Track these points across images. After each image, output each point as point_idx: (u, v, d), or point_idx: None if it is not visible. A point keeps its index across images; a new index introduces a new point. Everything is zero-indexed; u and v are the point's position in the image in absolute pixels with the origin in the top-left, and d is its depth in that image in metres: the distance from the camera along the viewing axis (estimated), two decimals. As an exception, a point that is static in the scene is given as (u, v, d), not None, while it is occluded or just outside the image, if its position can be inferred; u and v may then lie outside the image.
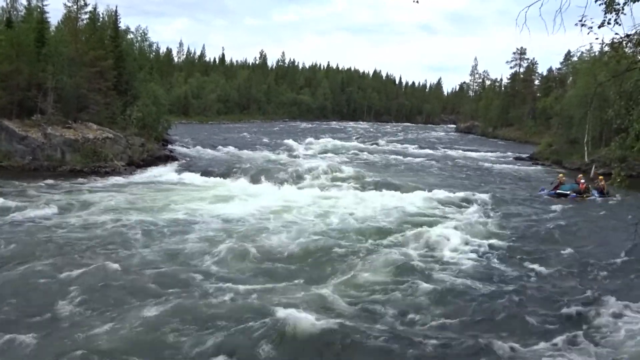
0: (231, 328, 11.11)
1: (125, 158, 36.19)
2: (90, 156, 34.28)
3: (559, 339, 11.34)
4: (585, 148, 50.33)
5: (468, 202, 27.09)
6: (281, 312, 11.49)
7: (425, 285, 14.28)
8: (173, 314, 11.67)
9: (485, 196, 28.18)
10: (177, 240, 18.10)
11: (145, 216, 21.30)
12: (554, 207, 26.49)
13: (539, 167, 49.84)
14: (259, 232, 19.47)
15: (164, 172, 34.48)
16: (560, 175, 32.26)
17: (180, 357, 10.16)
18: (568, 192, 29.27)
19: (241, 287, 13.57)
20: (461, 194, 28.61)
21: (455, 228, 20.83)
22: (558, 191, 29.67)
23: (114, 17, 47.88)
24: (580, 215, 25.05)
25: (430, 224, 21.43)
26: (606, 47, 54.65)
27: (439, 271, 15.80)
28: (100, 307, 12.11)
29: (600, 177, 30.68)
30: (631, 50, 8.84)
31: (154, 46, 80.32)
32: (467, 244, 18.85)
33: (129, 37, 51.99)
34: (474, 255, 17.67)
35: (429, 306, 13.16)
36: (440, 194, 28.67)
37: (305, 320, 11.25)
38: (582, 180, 30.23)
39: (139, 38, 56.04)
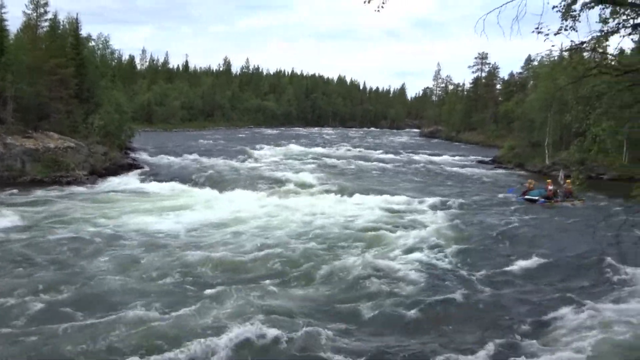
0: (177, 341, 10.97)
1: (88, 167, 35.60)
2: (51, 166, 33.61)
3: (521, 340, 11.52)
4: (546, 151, 51.38)
5: (432, 206, 27.34)
6: (230, 326, 11.48)
7: (386, 290, 14.37)
8: (115, 327, 11.51)
9: (449, 200, 28.54)
10: (134, 251, 17.64)
11: (104, 227, 20.85)
12: (518, 212, 26.55)
13: (502, 171, 50.59)
14: (219, 241, 19.30)
15: (127, 181, 34.02)
16: (530, 181, 31.97)
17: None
18: (536, 198, 28.98)
19: (194, 296, 13.50)
20: (425, 199, 28.90)
21: (419, 232, 21.03)
22: (526, 197, 29.49)
23: (75, 24, 47.18)
24: (544, 219, 25.26)
25: (394, 229, 21.60)
26: (564, 52, 56.03)
27: (399, 277, 15.82)
28: (48, 320, 11.82)
29: (568, 180, 29.77)
30: (587, 57, 9.04)
31: (117, 53, 79.59)
32: (430, 248, 18.99)
33: (90, 44, 51.29)
34: (436, 260, 17.81)
35: (389, 313, 13.19)
36: (405, 199, 28.90)
37: (253, 332, 11.25)
38: (550, 187, 29.63)
39: (100, 45, 55.43)
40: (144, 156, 46.66)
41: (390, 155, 62.37)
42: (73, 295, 13.31)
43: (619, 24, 8.27)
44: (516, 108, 68.50)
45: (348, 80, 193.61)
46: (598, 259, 17.41)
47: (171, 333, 11.34)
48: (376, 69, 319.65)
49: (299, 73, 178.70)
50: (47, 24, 44.15)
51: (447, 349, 11.06)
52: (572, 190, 29.11)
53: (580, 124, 10.82)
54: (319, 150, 66.25)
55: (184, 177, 35.38)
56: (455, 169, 49.33)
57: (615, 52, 9.15)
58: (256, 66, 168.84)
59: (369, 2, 8.02)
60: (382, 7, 8.16)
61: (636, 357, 10.74)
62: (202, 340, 10.81)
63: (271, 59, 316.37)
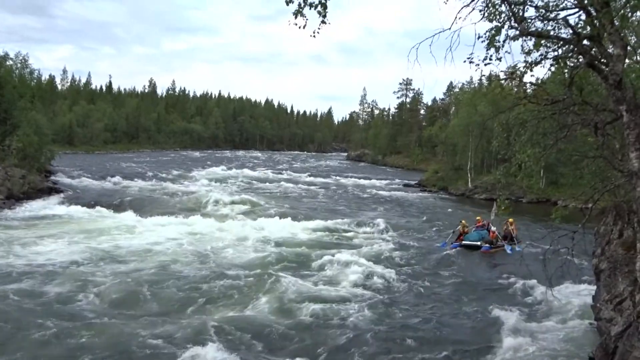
0: None
1: (4, 191, 33.93)
2: (-35, 190, 31.90)
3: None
4: (469, 174, 53.03)
5: (363, 230, 27.71)
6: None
7: (314, 311, 14.38)
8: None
9: (378, 224, 28.95)
10: (47, 279, 16.89)
11: (19, 254, 19.92)
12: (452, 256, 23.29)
13: (427, 194, 51.78)
14: (139, 268, 18.73)
15: (47, 205, 32.61)
16: (463, 222, 26.46)
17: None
18: (478, 243, 24.20)
19: (117, 324, 13.14)
20: (355, 222, 29.23)
21: (349, 256, 21.15)
22: (464, 242, 24.54)
23: (-10, 42, 45.32)
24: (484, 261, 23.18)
25: (326, 253, 21.67)
26: (485, 80, 58.14)
27: (327, 299, 15.94)
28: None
29: (510, 220, 25.79)
30: (514, 85, 9.43)
31: (36, 73, 76.74)
32: (360, 272, 19.10)
33: (8, 63, 49.27)
34: (368, 281, 18.04)
35: (313, 335, 13.22)
36: (336, 222, 29.16)
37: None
38: (493, 228, 25.43)
39: (19, 65, 53.32)
40: (65, 179, 44.96)
41: (319, 179, 62.82)
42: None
43: (541, 55, 8.66)
44: (439, 133, 70.59)
45: (275, 103, 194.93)
46: (527, 281, 18.17)
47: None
48: (303, 93, 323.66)
49: (225, 96, 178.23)
50: (-40, 41, 42.17)
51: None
52: (515, 231, 25.80)
53: (505, 151, 11.23)
54: (247, 172, 65.92)
55: (106, 201, 34.34)
56: (382, 192, 50.15)
57: (539, 82, 9.58)
58: (182, 88, 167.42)
59: (304, 27, 8.08)
60: (318, 32, 8.25)
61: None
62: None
63: (197, 81, 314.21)
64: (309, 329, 13.56)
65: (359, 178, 65.93)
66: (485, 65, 8.24)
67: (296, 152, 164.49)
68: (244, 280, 17.34)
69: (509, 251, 23.89)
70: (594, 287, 13.81)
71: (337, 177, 66.27)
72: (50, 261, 19.12)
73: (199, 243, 23.19)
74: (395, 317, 14.53)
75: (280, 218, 29.88)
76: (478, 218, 26.88)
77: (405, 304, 15.97)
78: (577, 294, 16.84)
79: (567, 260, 10.23)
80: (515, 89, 10.59)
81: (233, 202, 34.74)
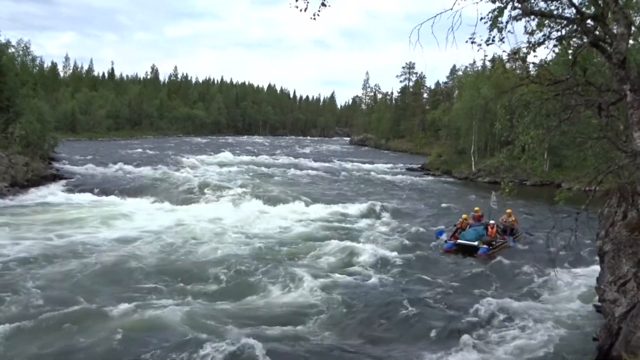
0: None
1: (8, 179, 33.94)
2: (-32, 178, 31.92)
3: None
4: (472, 158, 52.92)
5: (367, 215, 27.73)
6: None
7: (324, 298, 14.41)
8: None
9: (382, 209, 28.95)
10: (55, 264, 17.03)
11: (24, 240, 19.91)
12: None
13: (431, 178, 51.71)
14: (148, 253, 18.83)
15: (51, 193, 32.61)
16: (464, 216, 23.14)
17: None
18: (475, 243, 20.73)
19: (120, 310, 13.16)
20: (359, 207, 29.19)
21: (354, 242, 21.20)
22: (459, 241, 21.20)
23: (-8, 30, 45.22)
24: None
25: (331, 238, 21.71)
26: (488, 62, 57.75)
27: (332, 283, 16.02)
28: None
29: (508, 211, 23.32)
30: (518, 67, 9.35)
31: (38, 60, 76.58)
32: (363, 255, 19.16)
33: (10, 51, 49.17)
34: (367, 268, 18.11)
35: (318, 319, 13.26)
36: (340, 207, 29.18)
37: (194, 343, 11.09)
38: (492, 222, 21.97)
39: (20, 52, 53.24)
40: (68, 166, 44.97)
41: (322, 164, 62.66)
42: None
43: (545, 35, 8.58)
44: (443, 116, 70.34)
45: (278, 88, 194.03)
46: (531, 265, 18.20)
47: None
48: (306, 78, 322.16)
49: (228, 81, 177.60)
50: (-38, 28, 42.05)
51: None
52: (515, 223, 23.33)
53: (508, 133, 11.16)
54: (250, 158, 65.90)
55: (110, 187, 34.35)
56: (386, 176, 50.04)
57: (542, 63, 9.50)
58: (185, 74, 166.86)
59: (305, 10, 8.02)
60: (318, 14, 8.19)
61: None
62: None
63: (200, 67, 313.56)
64: (305, 313, 13.64)
65: (362, 162, 65.83)
66: (488, 45, 8.17)
67: (299, 137, 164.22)
68: (246, 265, 17.34)
69: (512, 244, 21.81)
70: (598, 269, 13.80)
71: (340, 162, 66.14)
72: (55, 246, 19.19)
73: (200, 229, 23.13)
74: (395, 299, 14.52)
75: (282, 203, 29.88)
76: (476, 208, 24.20)
77: (407, 287, 15.99)
78: (581, 276, 16.87)
79: (571, 243, 10.18)
80: (519, 71, 10.51)
81: (235, 188, 34.68)
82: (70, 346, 11.17)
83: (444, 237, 22.05)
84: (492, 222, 21.82)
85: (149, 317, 12.70)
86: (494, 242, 20.98)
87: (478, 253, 20.26)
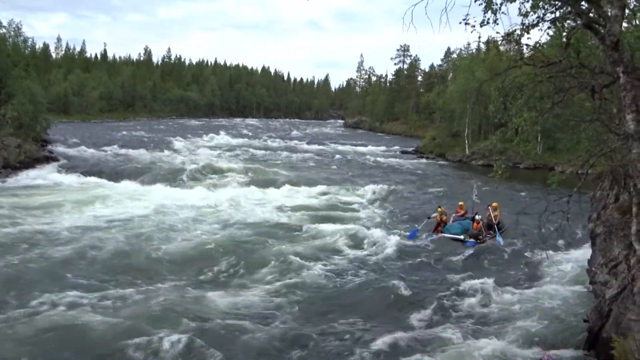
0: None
1: (0, 160, 33.82)
2: (-40, 159, 31.75)
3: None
4: (466, 141, 52.96)
5: (358, 198, 27.79)
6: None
7: (315, 281, 14.48)
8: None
9: (376, 192, 29.01)
10: (47, 247, 16.93)
11: (17, 222, 19.89)
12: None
13: (424, 160, 51.78)
14: (140, 235, 18.75)
15: (43, 175, 32.48)
16: (440, 209, 22.00)
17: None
18: (461, 237, 19.93)
19: (113, 293, 13.17)
20: (350, 190, 29.28)
21: (350, 225, 21.25)
22: (444, 235, 20.44)
23: (-18, 10, 44.71)
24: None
25: (327, 221, 21.78)
26: (482, 44, 57.57)
27: (324, 267, 16.17)
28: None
29: (494, 204, 21.71)
30: (512, 49, 9.32)
31: (30, 41, 75.91)
32: (358, 238, 19.27)
33: (1, 32, 48.71)
34: (358, 251, 18.33)
35: (313, 303, 13.34)
36: (330, 189, 29.31)
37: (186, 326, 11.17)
38: (478, 217, 20.92)
39: (12, 33, 52.72)
40: (61, 148, 44.73)
41: (317, 146, 62.59)
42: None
43: (539, 17, 8.54)
44: (437, 99, 70.21)
45: (272, 70, 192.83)
46: (523, 247, 18.32)
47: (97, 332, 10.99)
48: (300, 60, 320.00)
49: (222, 63, 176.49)
50: (-49, 9, 41.56)
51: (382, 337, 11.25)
52: (498, 216, 21.28)
53: (502, 115, 11.16)
54: (244, 141, 65.70)
55: (103, 169, 34.28)
56: (380, 159, 50.02)
57: (536, 45, 9.47)
58: (178, 56, 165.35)
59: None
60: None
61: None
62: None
63: (193, 49, 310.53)
64: (298, 294, 13.71)
65: (356, 145, 65.76)
66: (482, 27, 8.14)
67: (293, 119, 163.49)
68: (229, 251, 17.32)
69: (501, 242, 19.53)
70: (590, 251, 13.89)
71: (334, 145, 66.08)
72: (49, 228, 19.15)
73: (185, 213, 23.00)
74: (387, 282, 14.59)
75: (275, 186, 29.89)
76: (460, 203, 22.61)
77: (396, 272, 16.06)
78: (573, 258, 16.97)
79: (563, 225, 10.23)
80: (512, 53, 10.47)
81: (228, 170, 34.66)
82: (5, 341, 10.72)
83: (417, 235, 20.44)
84: (478, 216, 20.90)
85: (102, 311, 12.24)
86: (481, 237, 20.08)
87: (467, 245, 19.38)
